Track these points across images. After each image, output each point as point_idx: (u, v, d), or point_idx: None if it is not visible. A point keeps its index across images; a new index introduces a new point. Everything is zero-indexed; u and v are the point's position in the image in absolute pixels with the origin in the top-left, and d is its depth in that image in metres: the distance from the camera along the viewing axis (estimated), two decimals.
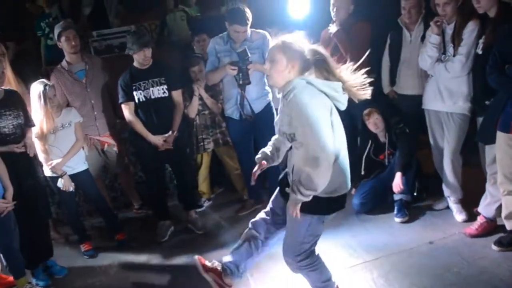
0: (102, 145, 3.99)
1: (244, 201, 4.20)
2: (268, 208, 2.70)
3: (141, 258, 3.61)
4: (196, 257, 2.71)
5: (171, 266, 3.44)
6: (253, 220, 2.74)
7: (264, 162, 2.59)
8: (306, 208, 2.27)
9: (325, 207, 2.33)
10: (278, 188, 2.63)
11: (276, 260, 3.20)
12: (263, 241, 2.66)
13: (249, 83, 3.48)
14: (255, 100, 3.66)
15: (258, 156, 2.62)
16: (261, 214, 2.72)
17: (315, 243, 2.46)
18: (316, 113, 2.15)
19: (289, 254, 2.46)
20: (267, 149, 2.61)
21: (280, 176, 2.60)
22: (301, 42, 2.29)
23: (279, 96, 2.33)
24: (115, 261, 3.61)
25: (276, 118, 2.50)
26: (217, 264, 2.67)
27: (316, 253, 2.49)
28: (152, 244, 3.78)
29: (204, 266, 2.65)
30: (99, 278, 3.40)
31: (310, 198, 2.22)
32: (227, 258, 2.67)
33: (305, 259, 2.43)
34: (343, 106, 2.30)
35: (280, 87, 2.29)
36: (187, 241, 3.77)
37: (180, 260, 3.50)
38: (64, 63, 3.86)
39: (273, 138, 2.64)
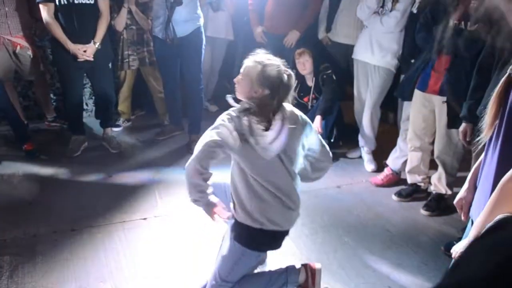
0: (14, 46, 3.64)
1: (164, 126, 4.13)
2: None
3: (49, 170, 3.46)
4: None
5: (79, 181, 3.33)
6: None
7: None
8: (239, 238, 2.00)
9: (257, 240, 2.03)
10: None
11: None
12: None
13: (181, 3, 3.30)
14: (184, 23, 3.49)
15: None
16: None
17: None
18: None
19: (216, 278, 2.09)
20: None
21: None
22: (279, 69, 1.94)
23: None
24: (19, 171, 3.43)
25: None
26: None
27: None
28: (63, 158, 3.64)
29: None
30: (0, 186, 3.22)
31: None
32: None
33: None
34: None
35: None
36: (99, 159, 3.66)
37: (89, 177, 3.40)
38: None
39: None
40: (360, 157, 3.84)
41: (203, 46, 3.65)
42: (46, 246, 2.59)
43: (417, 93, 3.03)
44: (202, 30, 3.69)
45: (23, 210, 2.94)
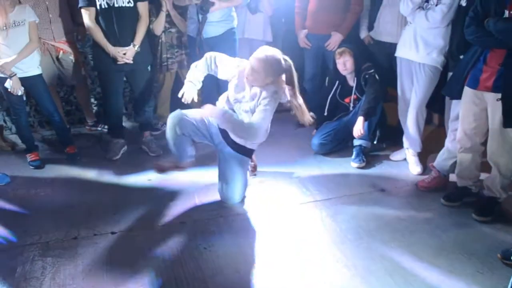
0: (57, 51, 3.73)
1: None
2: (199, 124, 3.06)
3: (90, 173, 3.49)
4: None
5: (118, 185, 3.34)
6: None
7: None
8: (247, 154, 3.06)
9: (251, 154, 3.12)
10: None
11: None
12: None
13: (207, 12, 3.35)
14: (217, 23, 3.48)
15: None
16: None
17: None
18: None
19: (240, 195, 3.07)
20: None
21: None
22: (279, 56, 2.74)
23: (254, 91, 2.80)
24: (62, 174, 3.48)
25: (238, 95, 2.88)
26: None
27: None
28: (103, 161, 3.67)
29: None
30: (43, 189, 3.27)
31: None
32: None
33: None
34: None
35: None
36: (138, 162, 3.66)
37: (129, 179, 3.40)
38: None
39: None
40: (405, 159, 3.68)
41: (237, 46, 3.65)
42: (87, 249, 2.59)
43: (467, 90, 2.86)
44: (236, 31, 3.69)
45: (65, 213, 2.95)
